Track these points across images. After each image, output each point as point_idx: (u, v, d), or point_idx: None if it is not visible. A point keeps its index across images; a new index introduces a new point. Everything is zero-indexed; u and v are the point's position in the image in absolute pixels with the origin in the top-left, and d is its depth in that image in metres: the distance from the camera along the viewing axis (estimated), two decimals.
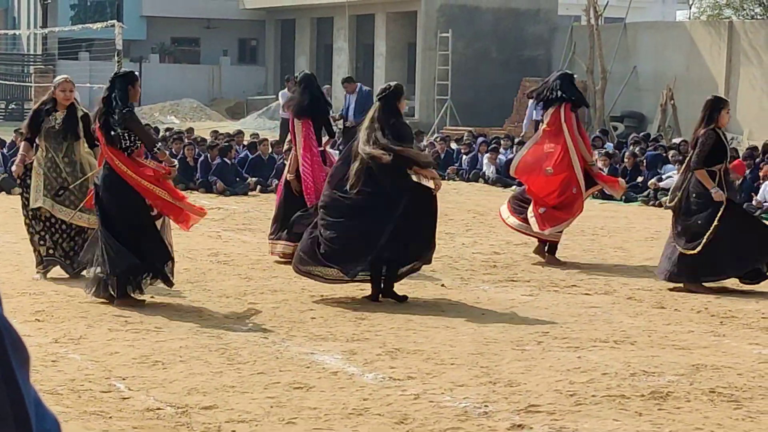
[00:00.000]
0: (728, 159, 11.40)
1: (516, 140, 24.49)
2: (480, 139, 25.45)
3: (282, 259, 12.36)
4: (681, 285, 11.14)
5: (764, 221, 12.52)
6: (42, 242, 11.16)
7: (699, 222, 11.06)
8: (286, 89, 28.07)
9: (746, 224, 11.28)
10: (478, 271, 12.17)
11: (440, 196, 10.68)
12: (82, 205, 10.93)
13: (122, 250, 9.66)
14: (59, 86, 11.30)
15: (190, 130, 25.74)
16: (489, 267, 12.47)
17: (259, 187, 20.37)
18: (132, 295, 9.86)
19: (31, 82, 37.56)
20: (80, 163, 11.22)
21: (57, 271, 11.22)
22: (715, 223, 10.97)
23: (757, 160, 20.10)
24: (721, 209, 10.97)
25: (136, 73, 10.75)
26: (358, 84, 22.69)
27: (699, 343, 8.79)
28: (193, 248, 13.36)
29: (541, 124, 13.28)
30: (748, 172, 19.02)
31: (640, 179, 20.55)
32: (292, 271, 11.80)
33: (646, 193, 19.85)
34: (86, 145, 11.24)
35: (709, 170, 11.12)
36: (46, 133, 11.21)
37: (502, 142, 25.53)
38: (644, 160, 21.26)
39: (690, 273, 11.10)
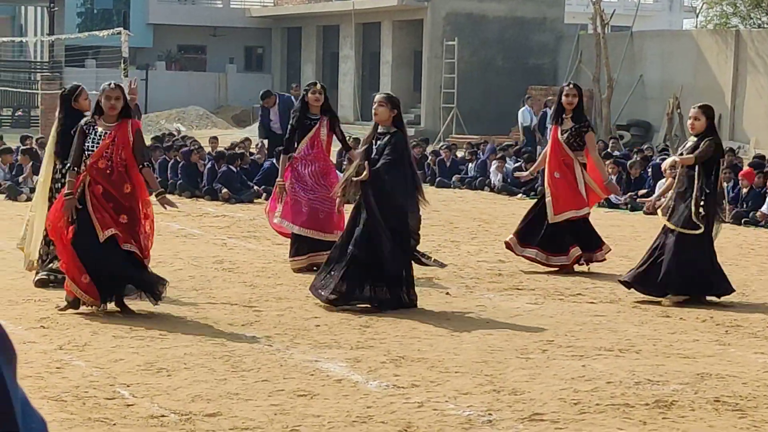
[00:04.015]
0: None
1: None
2: (489, 147, 25.47)
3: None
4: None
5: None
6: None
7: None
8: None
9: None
10: (483, 279, 12.16)
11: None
12: None
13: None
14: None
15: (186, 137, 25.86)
16: (494, 275, 12.46)
17: (264, 195, 20.31)
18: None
19: (37, 90, 37.59)
20: None
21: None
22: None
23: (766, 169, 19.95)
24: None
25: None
26: (276, 95, 22.35)
27: (704, 351, 8.78)
28: (198, 256, 13.36)
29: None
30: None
31: (644, 191, 20.52)
32: (296, 278, 11.82)
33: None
34: None
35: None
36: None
37: (509, 150, 25.52)
38: (650, 170, 21.22)
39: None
